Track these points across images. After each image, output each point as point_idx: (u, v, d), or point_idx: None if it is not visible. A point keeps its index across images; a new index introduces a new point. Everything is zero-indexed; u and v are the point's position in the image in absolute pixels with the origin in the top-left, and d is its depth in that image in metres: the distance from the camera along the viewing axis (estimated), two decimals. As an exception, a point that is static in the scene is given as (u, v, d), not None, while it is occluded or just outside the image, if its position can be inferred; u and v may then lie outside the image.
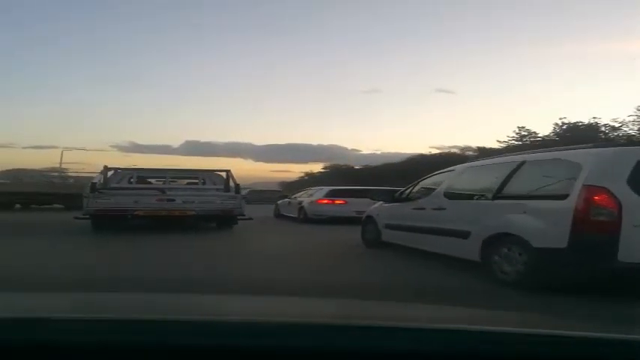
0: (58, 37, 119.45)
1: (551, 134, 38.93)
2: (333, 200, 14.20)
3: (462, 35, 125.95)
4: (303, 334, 0.98)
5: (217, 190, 11.83)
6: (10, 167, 24.32)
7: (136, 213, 10.57)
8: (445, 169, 7.14)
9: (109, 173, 11.94)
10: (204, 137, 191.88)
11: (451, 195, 6.27)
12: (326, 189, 15.23)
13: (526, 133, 41.13)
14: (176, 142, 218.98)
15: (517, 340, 0.98)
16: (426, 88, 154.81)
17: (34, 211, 18.25)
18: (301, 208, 14.80)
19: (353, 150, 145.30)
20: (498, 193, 5.27)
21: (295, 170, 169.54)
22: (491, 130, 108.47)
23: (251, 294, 3.37)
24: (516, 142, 39.75)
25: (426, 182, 7.43)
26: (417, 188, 7.51)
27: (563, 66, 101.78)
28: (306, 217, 14.26)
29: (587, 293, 4.01)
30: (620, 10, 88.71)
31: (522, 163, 5.31)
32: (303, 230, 12.14)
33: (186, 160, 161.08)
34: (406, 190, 7.76)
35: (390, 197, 8.02)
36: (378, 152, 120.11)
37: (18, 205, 18.59)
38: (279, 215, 17.48)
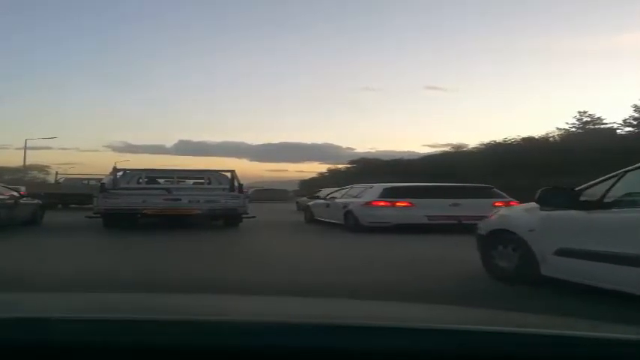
0: (54, 38, 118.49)
1: (631, 118, 32.55)
2: (392, 202, 11.07)
3: (450, 32, 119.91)
4: (303, 334, 0.96)
5: (222, 189, 12.17)
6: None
7: (144, 212, 11.08)
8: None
9: (118, 174, 12.48)
10: (197, 137, 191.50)
11: None
12: (379, 187, 12.00)
13: (589, 119, 36.87)
14: (169, 142, 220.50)
15: (517, 340, 0.95)
16: (416, 85, 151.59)
17: (72, 210, 19.67)
18: (348, 213, 11.75)
19: (347, 148, 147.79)
20: None
21: (291, 169, 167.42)
22: (485, 127, 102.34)
23: (251, 294, 3.25)
24: (578, 130, 35.64)
25: None
26: (624, 185, 4.16)
27: (558, 61, 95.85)
28: (358, 225, 11.20)
29: (588, 294, 3.78)
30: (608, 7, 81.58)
31: None
32: (362, 244, 9.13)
33: (179, 160, 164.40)
34: (596, 187, 4.43)
35: (567, 201, 4.50)
36: (373, 150, 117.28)
37: (59, 205, 20.73)
38: (312, 220, 14.44)
